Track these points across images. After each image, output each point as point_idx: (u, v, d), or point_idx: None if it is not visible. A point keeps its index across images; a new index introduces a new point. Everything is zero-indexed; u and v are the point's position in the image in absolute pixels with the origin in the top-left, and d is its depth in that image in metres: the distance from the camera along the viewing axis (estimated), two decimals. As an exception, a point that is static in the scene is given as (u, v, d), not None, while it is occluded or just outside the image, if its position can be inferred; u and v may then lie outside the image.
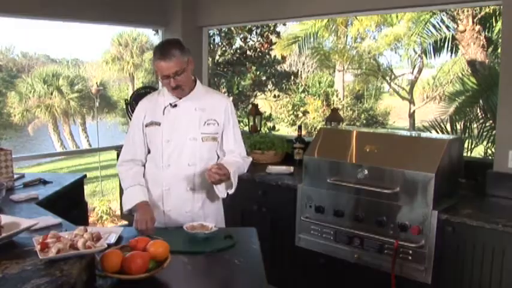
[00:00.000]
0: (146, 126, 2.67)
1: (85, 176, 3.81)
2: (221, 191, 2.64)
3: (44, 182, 3.42)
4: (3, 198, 2.76)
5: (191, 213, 2.66)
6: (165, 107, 2.64)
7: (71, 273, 1.58)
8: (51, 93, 21.17)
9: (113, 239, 2.26)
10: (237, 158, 2.73)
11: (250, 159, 2.88)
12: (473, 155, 6.60)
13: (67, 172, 14.74)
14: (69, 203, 3.38)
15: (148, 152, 2.72)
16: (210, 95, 2.74)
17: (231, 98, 10.48)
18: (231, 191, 2.66)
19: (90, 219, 8.07)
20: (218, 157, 2.77)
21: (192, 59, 2.60)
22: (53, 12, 4.43)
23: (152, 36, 9.41)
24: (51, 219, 2.42)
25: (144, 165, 2.73)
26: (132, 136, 2.72)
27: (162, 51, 2.47)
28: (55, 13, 4.46)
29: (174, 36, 5.21)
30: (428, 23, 11.91)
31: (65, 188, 3.37)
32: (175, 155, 2.63)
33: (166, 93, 2.65)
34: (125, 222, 5.33)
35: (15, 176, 3.37)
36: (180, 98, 2.62)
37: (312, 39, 15.01)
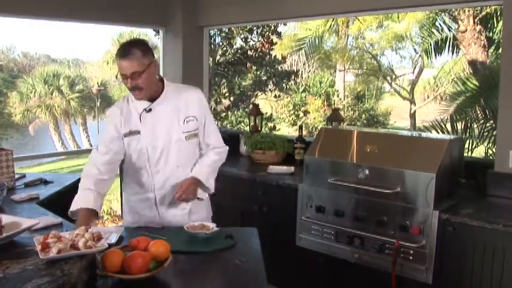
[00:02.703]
0: (125, 136, 2.60)
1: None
2: (201, 193, 2.69)
3: (45, 182, 3.42)
4: (4, 198, 2.76)
5: (187, 211, 2.68)
6: (140, 114, 2.58)
7: (72, 273, 1.58)
8: (52, 93, 21.21)
9: (113, 238, 2.26)
10: (211, 155, 2.74)
11: (227, 148, 2.85)
12: (474, 155, 6.59)
13: (68, 172, 14.75)
14: (70, 203, 3.37)
15: (127, 160, 2.68)
16: (181, 91, 2.69)
17: (232, 98, 10.49)
18: (210, 192, 2.74)
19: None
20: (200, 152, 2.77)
21: (157, 62, 2.54)
22: (53, 12, 4.43)
23: (153, 37, 9.41)
24: (52, 219, 2.42)
25: (109, 175, 2.62)
26: (109, 140, 2.62)
27: (123, 49, 2.42)
28: (55, 13, 4.46)
29: (175, 37, 5.23)
30: (430, 23, 11.92)
31: (65, 188, 3.36)
32: (163, 160, 2.60)
33: (136, 100, 2.57)
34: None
35: (16, 176, 3.37)
36: (153, 102, 2.56)
37: (317, 42, 15.04)
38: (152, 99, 2.56)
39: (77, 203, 2.44)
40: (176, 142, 2.59)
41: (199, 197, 2.67)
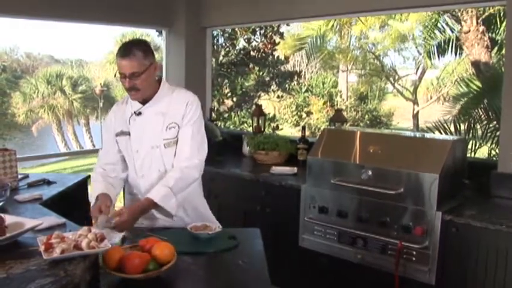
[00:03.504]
0: (117, 135, 2.63)
1: (89, 176, 3.79)
2: (162, 217, 2.51)
3: (48, 183, 3.42)
4: (8, 199, 2.76)
5: (176, 217, 2.58)
6: (130, 116, 2.59)
7: (75, 273, 1.58)
8: (55, 94, 21.26)
9: (116, 239, 2.26)
10: (174, 173, 2.49)
11: (196, 162, 2.55)
12: (477, 156, 6.59)
13: (71, 172, 14.76)
14: (73, 204, 3.38)
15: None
16: (175, 95, 2.59)
17: (235, 99, 10.46)
18: (171, 215, 2.48)
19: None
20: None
21: (158, 65, 2.53)
22: (56, 12, 4.43)
23: (156, 37, 9.41)
24: (55, 219, 2.42)
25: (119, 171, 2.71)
26: (106, 142, 2.70)
27: (124, 49, 2.41)
28: (58, 14, 4.46)
29: (178, 38, 5.23)
30: (432, 25, 11.91)
31: (68, 189, 3.37)
32: (146, 165, 2.58)
33: (132, 101, 2.58)
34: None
35: (20, 176, 3.37)
36: (144, 104, 2.55)
37: (318, 43, 15.05)
38: (145, 102, 2.55)
39: (93, 195, 2.54)
40: (156, 148, 2.55)
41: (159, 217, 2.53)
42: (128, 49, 2.41)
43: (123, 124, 2.62)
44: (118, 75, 2.46)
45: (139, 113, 2.56)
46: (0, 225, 1.82)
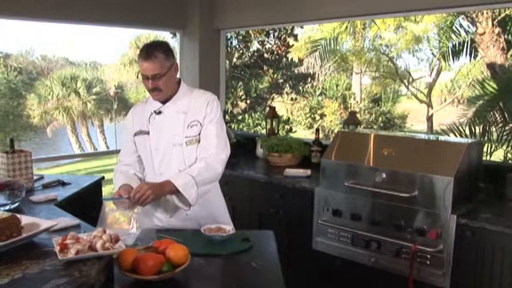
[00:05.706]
0: (135, 135, 2.67)
1: (103, 177, 3.83)
2: (180, 205, 2.50)
3: (63, 184, 3.45)
4: (23, 199, 2.79)
5: (192, 216, 2.62)
6: (150, 115, 2.63)
7: (90, 274, 1.59)
8: (69, 96, 21.41)
9: (131, 240, 2.27)
10: (197, 163, 2.54)
11: (223, 156, 2.59)
12: (492, 159, 6.53)
13: (85, 174, 14.86)
14: (88, 205, 3.40)
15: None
16: (194, 94, 2.65)
17: (249, 101, 10.47)
18: (190, 204, 2.46)
19: (108, 221, 8.09)
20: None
21: (177, 65, 2.58)
22: (70, 15, 4.46)
23: (170, 39, 9.42)
24: (70, 220, 2.44)
25: (137, 171, 2.75)
26: (125, 143, 2.76)
27: (146, 51, 2.46)
28: (72, 16, 4.50)
29: (192, 40, 5.25)
30: (447, 27, 11.85)
31: (83, 190, 3.39)
32: (165, 163, 2.60)
33: (152, 101, 2.63)
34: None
35: (35, 177, 3.40)
36: (164, 103, 2.59)
37: (332, 45, 15.04)
38: (165, 101, 2.60)
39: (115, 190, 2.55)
40: (177, 146, 2.58)
41: (179, 205, 2.51)
42: (149, 52, 2.45)
43: (142, 123, 2.66)
44: (140, 76, 2.52)
45: (160, 112, 2.60)
46: (16, 226, 1.84)
